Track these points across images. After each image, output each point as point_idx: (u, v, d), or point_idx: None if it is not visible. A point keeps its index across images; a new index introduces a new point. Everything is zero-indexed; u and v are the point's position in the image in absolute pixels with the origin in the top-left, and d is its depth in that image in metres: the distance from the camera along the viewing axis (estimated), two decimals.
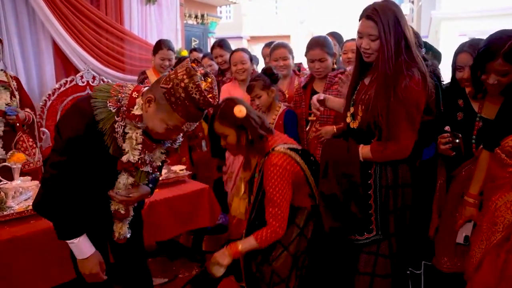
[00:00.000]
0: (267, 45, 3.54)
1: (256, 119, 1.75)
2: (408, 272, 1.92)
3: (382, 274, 1.74)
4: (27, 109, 2.62)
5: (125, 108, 1.39)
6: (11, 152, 2.33)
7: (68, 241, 1.46)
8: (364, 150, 1.71)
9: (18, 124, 2.49)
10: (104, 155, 1.42)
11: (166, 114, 1.35)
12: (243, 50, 2.91)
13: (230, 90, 2.89)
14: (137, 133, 1.40)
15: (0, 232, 1.80)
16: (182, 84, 1.30)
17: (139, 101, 1.40)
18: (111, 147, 1.40)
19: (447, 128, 1.79)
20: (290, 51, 2.80)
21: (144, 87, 1.47)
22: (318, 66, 2.30)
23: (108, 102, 1.38)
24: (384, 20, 1.58)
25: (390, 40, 1.58)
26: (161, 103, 1.34)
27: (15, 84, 2.57)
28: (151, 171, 1.56)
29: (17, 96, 2.54)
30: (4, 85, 2.48)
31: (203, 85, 1.32)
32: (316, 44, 2.32)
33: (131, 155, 1.41)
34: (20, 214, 1.92)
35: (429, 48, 2.04)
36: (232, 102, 1.74)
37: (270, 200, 1.71)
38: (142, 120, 1.39)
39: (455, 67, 1.85)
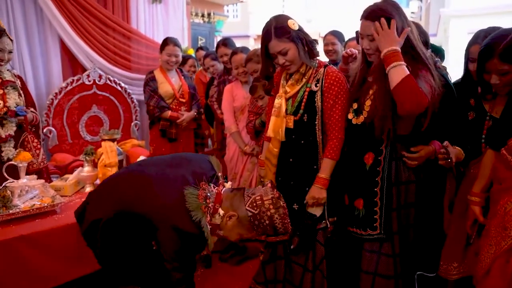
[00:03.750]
0: None
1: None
2: (416, 275, 1.86)
3: (385, 274, 1.73)
4: (32, 109, 2.63)
5: (209, 217, 1.56)
6: (17, 151, 2.33)
7: None
8: (400, 69, 1.53)
9: (25, 125, 2.51)
10: None
11: (245, 231, 1.56)
12: (243, 50, 2.85)
13: (233, 90, 2.88)
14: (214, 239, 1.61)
15: (6, 230, 1.81)
16: (268, 213, 1.50)
17: (221, 211, 1.57)
18: None
19: (446, 143, 1.76)
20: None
21: (222, 189, 1.65)
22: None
23: (204, 219, 1.55)
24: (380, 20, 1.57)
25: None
26: (243, 222, 1.54)
27: (19, 83, 2.58)
28: None
29: (22, 95, 2.56)
30: (13, 85, 2.49)
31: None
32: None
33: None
34: (26, 213, 1.93)
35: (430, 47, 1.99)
36: (280, 18, 1.81)
37: (334, 108, 1.81)
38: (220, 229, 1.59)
39: (468, 59, 1.81)
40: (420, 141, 1.75)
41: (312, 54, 1.84)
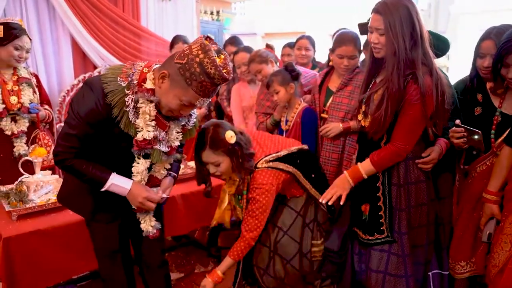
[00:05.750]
0: (287, 44, 3.58)
1: (243, 139, 1.75)
2: (431, 273, 1.84)
3: (396, 273, 1.71)
4: (46, 106, 2.68)
5: (136, 83, 1.39)
6: (32, 146, 2.39)
7: (104, 188, 1.48)
8: (364, 167, 1.71)
9: (37, 122, 2.56)
10: (117, 136, 1.43)
11: (180, 90, 1.35)
12: (245, 50, 2.86)
13: (240, 90, 2.91)
14: (150, 107, 1.40)
15: (22, 225, 1.86)
16: (197, 59, 1.31)
17: (149, 75, 1.41)
18: (122, 121, 1.39)
19: (457, 122, 1.74)
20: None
21: (155, 63, 1.48)
22: (347, 63, 2.22)
23: (118, 77, 1.40)
24: (393, 14, 1.55)
25: (397, 35, 1.55)
26: (176, 79, 1.35)
27: (35, 80, 2.64)
28: (167, 150, 1.52)
29: (37, 92, 2.61)
30: (28, 82, 2.55)
31: (218, 61, 1.32)
32: (350, 41, 2.22)
33: (145, 132, 1.41)
34: (41, 207, 1.97)
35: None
36: (220, 128, 1.72)
37: (251, 211, 1.75)
38: (155, 95, 1.40)
39: (478, 54, 1.78)
40: (426, 143, 1.75)
41: (247, 165, 1.73)
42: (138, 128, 1.41)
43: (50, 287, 2.12)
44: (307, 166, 1.89)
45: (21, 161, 2.17)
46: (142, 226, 1.60)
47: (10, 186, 2.13)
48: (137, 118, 1.40)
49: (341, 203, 1.74)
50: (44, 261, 1.83)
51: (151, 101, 1.39)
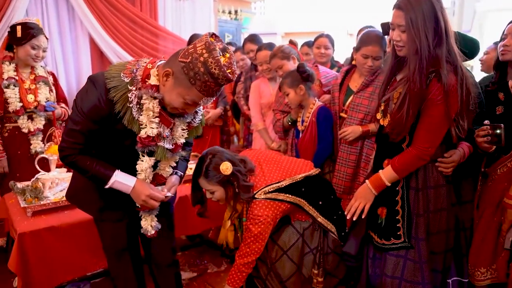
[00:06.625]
0: (306, 43, 3.54)
1: (241, 170, 1.73)
2: (450, 280, 1.75)
3: (412, 280, 1.64)
4: (63, 105, 2.73)
5: (139, 78, 1.38)
6: (48, 144, 2.42)
7: (108, 185, 1.47)
8: (386, 174, 1.63)
9: (52, 119, 2.61)
10: (121, 133, 1.42)
11: (184, 89, 1.34)
12: (267, 47, 2.83)
13: (260, 86, 2.88)
14: (153, 104, 1.38)
15: (37, 221, 1.88)
16: (201, 59, 1.29)
17: (153, 71, 1.40)
18: (125, 118, 1.39)
19: (486, 122, 1.67)
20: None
21: (160, 60, 1.47)
22: (371, 64, 2.15)
23: (121, 73, 1.39)
24: (414, 10, 1.48)
25: (419, 32, 1.47)
26: (179, 77, 1.33)
27: (52, 79, 2.69)
28: (171, 147, 1.51)
29: (54, 91, 2.66)
30: (45, 81, 2.60)
31: (222, 60, 1.30)
32: (376, 41, 2.13)
33: (149, 129, 1.40)
34: (56, 204, 1.99)
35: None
36: (216, 158, 1.70)
37: (244, 239, 1.73)
38: (159, 91, 1.39)
39: (502, 38, 1.71)
40: (448, 146, 1.67)
41: (243, 196, 1.71)
42: (141, 124, 1.41)
43: (65, 283, 2.15)
44: (314, 193, 1.84)
45: (37, 158, 2.20)
46: (143, 223, 1.60)
47: (26, 183, 2.17)
48: (141, 115, 1.39)
49: (363, 217, 1.68)
50: (58, 257, 1.85)
51: (155, 98, 1.38)
